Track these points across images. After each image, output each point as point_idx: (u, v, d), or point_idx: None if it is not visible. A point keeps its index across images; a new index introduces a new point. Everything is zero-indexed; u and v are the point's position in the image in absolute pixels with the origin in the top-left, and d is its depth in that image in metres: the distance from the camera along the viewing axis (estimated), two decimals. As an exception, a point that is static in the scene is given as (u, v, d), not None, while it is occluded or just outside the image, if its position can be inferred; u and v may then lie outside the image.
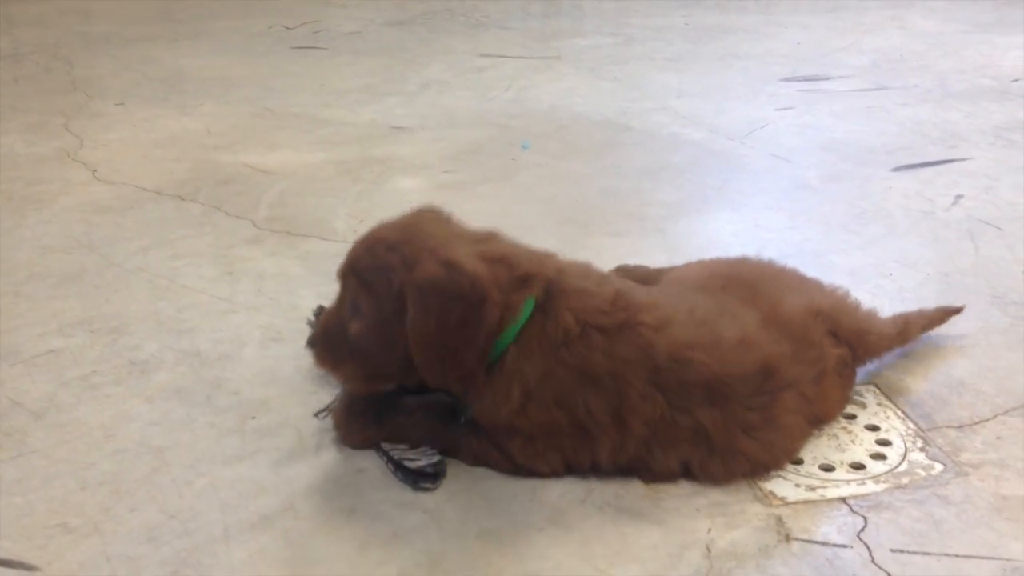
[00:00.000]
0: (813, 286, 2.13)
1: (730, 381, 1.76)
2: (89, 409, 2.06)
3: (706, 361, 1.75)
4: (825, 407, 1.94)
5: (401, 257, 1.71)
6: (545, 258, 1.83)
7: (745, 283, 2.01)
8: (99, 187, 3.35)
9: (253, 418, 2.02)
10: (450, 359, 1.70)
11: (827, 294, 2.11)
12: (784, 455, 1.85)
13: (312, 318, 2.23)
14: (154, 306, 2.50)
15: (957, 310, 2.30)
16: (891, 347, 2.14)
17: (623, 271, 2.34)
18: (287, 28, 5.91)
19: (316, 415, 1.99)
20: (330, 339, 1.82)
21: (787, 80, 4.67)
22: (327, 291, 2.43)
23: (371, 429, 1.87)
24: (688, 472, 1.79)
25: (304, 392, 2.10)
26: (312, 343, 1.89)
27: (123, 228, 3.00)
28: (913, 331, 2.19)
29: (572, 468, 1.81)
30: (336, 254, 2.87)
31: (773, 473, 1.83)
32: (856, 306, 2.12)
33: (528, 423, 1.76)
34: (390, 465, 1.84)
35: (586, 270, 1.87)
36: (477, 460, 1.84)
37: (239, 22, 6.06)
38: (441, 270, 1.67)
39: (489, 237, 1.83)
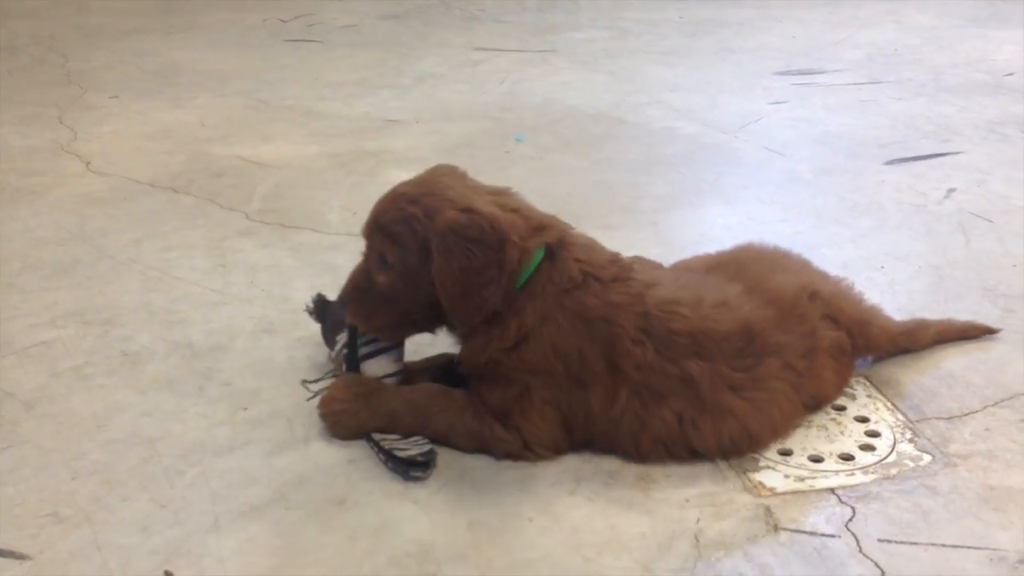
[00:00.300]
0: (815, 272, 2.15)
1: (713, 336, 1.83)
2: (81, 400, 2.06)
3: (688, 315, 1.84)
4: (819, 386, 1.95)
5: (423, 208, 1.79)
6: (555, 218, 1.93)
7: (735, 264, 2.08)
8: (92, 179, 3.35)
9: (244, 409, 2.02)
10: (475, 300, 1.77)
11: (829, 281, 2.13)
12: (774, 426, 1.87)
13: (311, 305, 2.22)
14: (146, 297, 2.51)
15: (990, 330, 2.26)
16: (895, 343, 2.14)
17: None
18: (282, 21, 5.91)
19: (308, 387, 1.99)
20: (360, 293, 1.89)
21: (781, 74, 4.67)
22: (319, 283, 2.44)
23: (363, 416, 1.89)
24: (681, 429, 1.81)
25: (295, 383, 2.11)
26: (343, 299, 1.95)
27: (116, 220, 3.00)
28: (926, 336, 2.19)
29: (569, 430, 1.83)
30: (329, 246, 2.91)
31: (762, 459, 1.84)
32: (859, 297, 2.14)
33: (521, 365, 1.80)
34: (381, 455, 1.85)
35: (590, 237, 1.97)
36: (475, 439, 1.85)
37: (234, 15, 6.05)
38: (462, 216, 1.76)
39: (504, 191, 1.92)
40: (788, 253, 2.19)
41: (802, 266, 2.14)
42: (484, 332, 1.82)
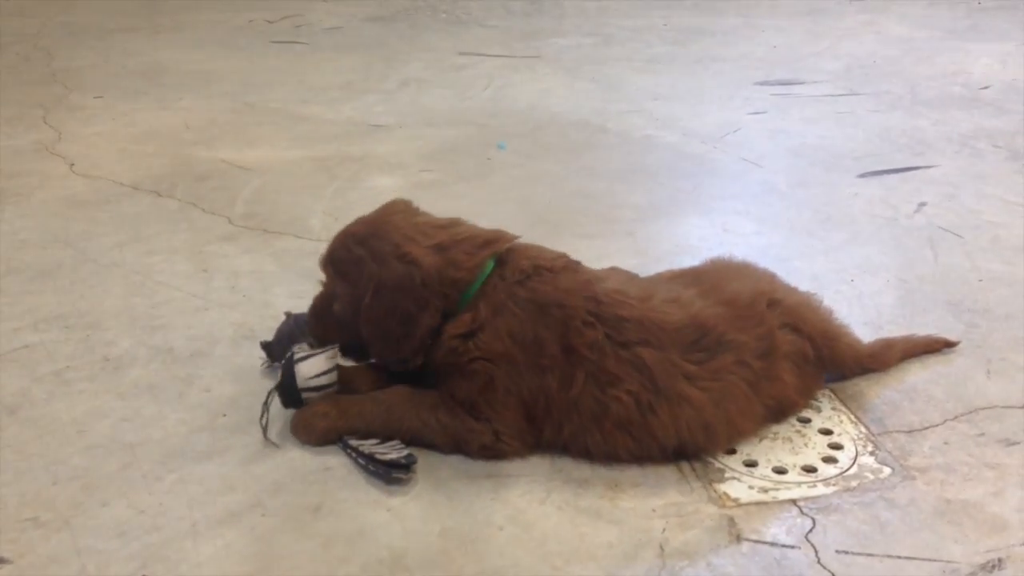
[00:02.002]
0: (780, 284, 2.20)
1: (662, 325, 1.93)
2: (62, 405, 2.10)
3: (636, 305, 1.95)
4: (779, 389, 2.01)
5: (369, 250, 1.95)
6: (503, 232, 2.06)
7: (695, 274, 2.18)
8: (76, 181, 3.37)
9: (224, 415, 2.06)
10: (392, 343, 1.94)
11: (794, 293, 2.18)
12: (730, 420, 1.93)
13: (263, 343, 2.24)
14: (128, 302, 2.54)
15: (949, 343, 2.32)
16: (862, 364, 2.20)
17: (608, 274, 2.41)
18: (268, 22, 5.93)
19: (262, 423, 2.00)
20: (319, 318, 2.08)
21: (761, 84, 4.73)
22: (301, 289, 2.48)
23: (333, 418, 1.95)
24: (640, 413, 1.87)
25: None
26: (307, 322, 2.11)
27: (99, 223, 3.03)
28: (892, 357, 2.25)
29: (532, 419, 1.91)
30: (311, 252, 2.93)
31: (729, 465, 1.90)
32: (828, 312, 2.19)
33: (479, 354, 1.90)
34: (361, 460, 1.89)
35: (539, 246, 2.09)
36: (448, 434, 1.92)
37: (221, 15, 6.07)
38: (400, 267, 1.91)
39: (453, 222, 2.04)
40: (754, 267, 2.25)
41: (767, 279, 2.19)
42: (444, 332, 1.94)
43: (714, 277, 2.12)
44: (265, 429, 1.97)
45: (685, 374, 1.90)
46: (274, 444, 1.96)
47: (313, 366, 1.99)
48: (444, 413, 1.93)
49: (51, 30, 5.58)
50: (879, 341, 2.26)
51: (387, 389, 2.00)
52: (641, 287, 2.04)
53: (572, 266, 2.02)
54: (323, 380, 1.99)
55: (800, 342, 2.05)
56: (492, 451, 1.91)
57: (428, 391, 1.97)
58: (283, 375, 2.00)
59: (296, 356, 2.01)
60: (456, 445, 1.93)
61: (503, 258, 1.97)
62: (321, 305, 2.07)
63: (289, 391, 1.98)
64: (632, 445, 1.90)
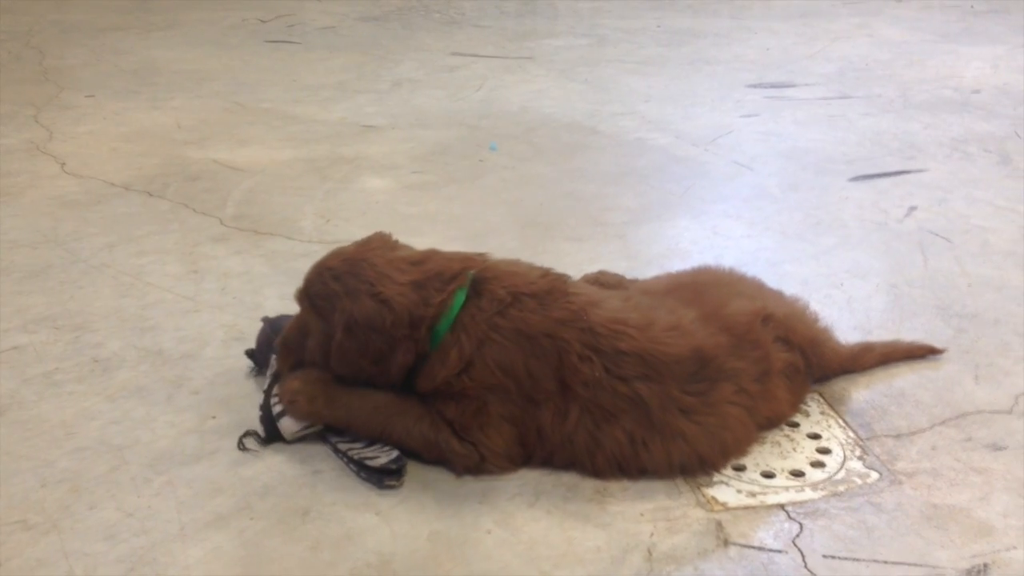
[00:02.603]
0: (770, 295, 2.21)
1: (663, 359, 1.88)
2: (51, 406, 2.09)
3: (637, 337, 1.90)
4: (773, 407, 2.01)
5: (344, 287, 1.92)
6: (477, 256, 2.01)
7: (692, 287, 2.14)
8: (67, 181, 3.36)
9: (213, 418, 2.06)
10: (365, 379, 1.92)
11: (784, 303, 2.19)
12: (726, 450, 1.92)
13: (247, 351, 2.24)
14: (118, 303, 2.53)
15: (934, 350, 2.32)
16: (843, 367, 2.21)
17: (596, 277, 2.40)
18: (261, 21, 5.93)
19: (240, 447, 1.98)
20: (290, 348, 2.03)
21: (754, 86, 4.74)
22: (291, 291, 2.45)
23: (319, 403, 1.93)
24: (633, 449, 1.86)
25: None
26: (278, 347, 2.05)
27: (90, 223, 3.02)
28: (871, 359, 2.25)
29: (524, 444, 1.89)
30: (302, 254, 2.94)
31: (716, 475, 1.90)
32: (814, 318, 2.20)
33: (473, 384, 1.87)
34: (352, 466, 1.89)
35: (515, 261, 2.04)
36: (429, 449, 1.89)
37: (214, 13, 6.06)
38: (372, 305, 1.88)
39: (427, 255, 1.98)
40: (742, 276, 2.25)
41: (756, 289, 2.20)
42: (428, 366, 1.90)
43: (712, 295, 2.08)
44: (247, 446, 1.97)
45: (682, 408, 1.88)
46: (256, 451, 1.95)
47: (293, 422, 1.96)
48: (429, 427, 1.90)
49: (43, 28, 5.57)
50: (859, 344, 2.27)
51: (377, 390, 1.95)
52: (640, 312, 1.96)
53: (559, 287, 1.95)
54: (307, 432, 1.97)
55: (792, 355, 2.05)
56: (477, 470, 1.90)
57: (415, 401, 1.93)
58: (264, 421, 1.97)
59: (275, 408, 1.96)
60: (438, 460, 1.91)
61: (477, 288, 1.92)
62: (294, 337, 2.01)
63: (270, 434, 1.97)
64: (623, 477, 1.88)
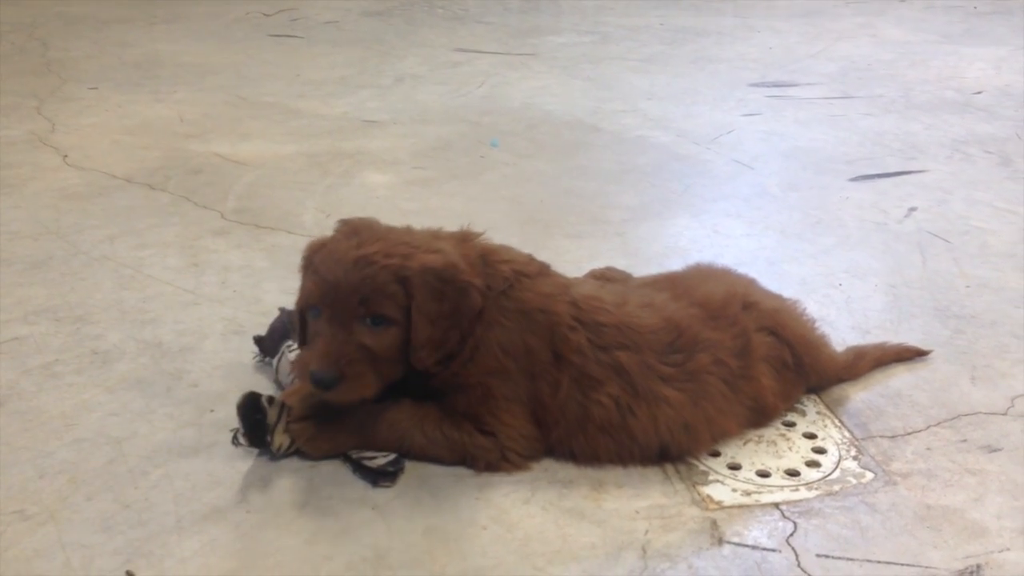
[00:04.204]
0: (759, 290, 2.22)
1: (639, 330, 1.94)
2: (50, 398, 2.10)
3: (612, 311, 1.96)
4: (757, 390, 2.02)
5: (401, 256, 1.83)
6: (467, 231, 2.02)
7: (672, 279, 2.18)
8: (69, 173, 3.37)
9: (211, 411, 2.07)
10: (440, 340, 1.86)
11: (774, 299, 2.20)
12: (710, 418, 1.94)
13: (256, 338, 2.23)
14: (118, 295, 2.54)
15: (920, 352, 2.33)
16: (839, 375, 2.21)
17: (603, 272, 2.43)
18: (265, 15, 5.93)
19: (233, 441, 1.93)
20: (354, 364, 1.81)
21: (756, 85, 4.74)
22: (291, 285, 2.46)
23: (340, 438, 1.90)
24: (620, 415, 1.89)
25: (263, 386, 2.15)
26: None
27: (91, 215, 3.03)
28: (864, 366, 2.26)
29: (537, 422, 1.91)
30: (302, 248, 2.93)
31: (713, 468, 1.91)
32: (810, 321, 2.21)
33: (477, 371, 1.89)
34: (349, 465, 1.89)
35: (503, 245, 2.05)
36: (454, 449, 1.88)
37: (218, 7, 6.07)
38: (434, 257, 1.86)
39: (430, 232, 1.98)
40: (732, 272, 2.26)
41: (744, 283, 2.20)
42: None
43: (689, 281, 2.13)
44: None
45: (662, 376, 1.92)
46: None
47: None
48: (450, 427, 1.89)
49: (46, 20, 5.58)
50: (851, 351, 2.26)
51: (390, 404, 1.91)
52: (614, 292, 2.04)
53: (545, 270, 2.02)
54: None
55: (779, 347, 2.06)
56: (496, 468, 1.90)
57: (430, 405, 1.91)
58: (246, 425, 1.89)
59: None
60: (462, 460, 1.90)
61: (485, 265, 1.93)
62: (351, 350, 1.80)
63: (257, 442, 1.91)
64: (614, 447, 1.91)
